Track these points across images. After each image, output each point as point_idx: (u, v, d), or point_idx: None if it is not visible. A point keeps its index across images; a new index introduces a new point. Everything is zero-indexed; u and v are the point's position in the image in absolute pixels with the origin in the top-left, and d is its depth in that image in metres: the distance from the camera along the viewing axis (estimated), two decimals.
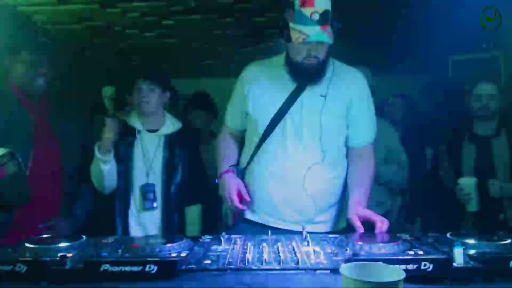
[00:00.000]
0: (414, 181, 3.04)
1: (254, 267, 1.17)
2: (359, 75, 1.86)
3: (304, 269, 1.16)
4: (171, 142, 2.24)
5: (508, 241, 1.26)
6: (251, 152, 1.85)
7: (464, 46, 3.91)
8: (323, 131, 1.74)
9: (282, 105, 1.76)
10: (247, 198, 1.78)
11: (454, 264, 1.10)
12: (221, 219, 1.97)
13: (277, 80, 1.79)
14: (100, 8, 3.57)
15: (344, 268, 0.93)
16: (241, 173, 1.89)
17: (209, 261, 1.21)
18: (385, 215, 2.62)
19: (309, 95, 1.76)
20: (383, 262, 0.99)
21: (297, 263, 1.19)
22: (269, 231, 1.52)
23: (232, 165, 1.91)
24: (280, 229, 1.74)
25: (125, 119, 2.23)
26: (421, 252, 1.21)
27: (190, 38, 4.26)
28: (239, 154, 1.98)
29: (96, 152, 2.08)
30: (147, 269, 1.10)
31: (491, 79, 2.56)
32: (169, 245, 1.29)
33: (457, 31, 3.44)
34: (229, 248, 1.35)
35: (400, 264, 1.07)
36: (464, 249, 1.13)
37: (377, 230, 1.57)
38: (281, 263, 1.19)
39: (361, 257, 1.14)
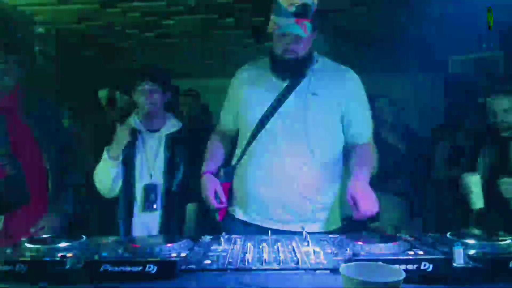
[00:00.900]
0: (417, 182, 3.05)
1: (254, 267, 1.17)
2: (351, 73, 1.84)
3: (304, 269, 1.16)
4: (172, 141, 2.23)
5: (508, 241, 1.26)
6: (241, 152, 1.85)
7: (464, 46, 3.91)
8: (311, 129, 1.72)
9: (271, 104, 1.74)
10: (223, 199, 1.80)
11: (454, 264, 1.10)
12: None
13: (266, 80, 1.78)
14: (100, 8, 3.57)
15: (344, 268, 0.93)
16: (231, 173, 1.89)
17: (209, 261, 1.21)
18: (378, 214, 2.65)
19: (299, 94, 1.74)
20: (383, 262, 0.99)
21: (297, 263, 1.19)
22: (269, 231, 1.52)
23: (220, 166, 1.92)
24: (271, 228, 1.68)
25: (131, 123, 2.22)
26: (421, 252, 1.21)
27: (190, 38, 4.26)
28: (229, 154, 1.98)
29: (106, 156, 2.07)
30: (147, 269, 1.10)
31: (506, 90, 2.40)
32: (169, 245, 1.29)
33: (457, 31, 3.44)
34: (229, 248, 1.35)
35: (400, 264, 1.07)
36: (464, 249, 1.13)
37: (355, 215, 1.58)
38: (281, 263, 1.19)
39: (361, 257, 1.14)
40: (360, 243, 1.29)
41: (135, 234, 2.13)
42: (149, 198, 2.14)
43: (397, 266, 1.01)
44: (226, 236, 1.45)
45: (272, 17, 1.63)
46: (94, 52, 4.77)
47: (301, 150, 1.73)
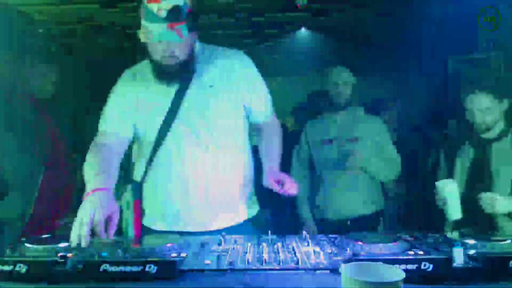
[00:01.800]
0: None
1: (254, 267, 1.17)
2: (241, 54, 1.76)
3: (304, 269, 1.16)
4: None
5: (508, 241, 1.26)
6: (144, 165, 1.71)
7: (464, 46, 3.91)
8: (216, 124, 1.66)
9: (169, 110, 1.64)
10: (111, 233, 1.33)
11: (454, 264, 1.10)
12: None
13: (155, 86, 1.65)
14: (100, 8, 3.57)
15: (344, 268, 0.93)
16: (140, 189, 1.74)
17: (209, 261, 1.21)
18: (376, 214, 2.65)
19: (195, 91, 1.65)
20: (383, 262, 0.99)
21: (297, 263, 1.19)
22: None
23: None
24: (193, 232, 1.65)
25: None
26: (421, 252, 1.21)
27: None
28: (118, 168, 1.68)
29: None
30: (147, 269, 1.10)
31: (486, 86, 2.17)
32: (169, 245, 1.29)
33: (457, 31, 3.44)
34: (229, 248, 1.35)
35: (400, 264, 1.07)
36: (464, 249, 1.13)
37: (281, 190, 1.55)
38: (281, 263, 1.19)
39: (361, 257, 1.14)
40: (360, 243, 1.29)
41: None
42: None
43: (397, 266, 1.01)
44: (226, 236, 1.45)
45: (143, 22, 1.49)
46: (94, 52, 4.77)
47: (208, 148, 1.66)
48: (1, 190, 1.83)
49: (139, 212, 1.73)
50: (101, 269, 1.10)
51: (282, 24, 4.29)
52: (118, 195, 1.74)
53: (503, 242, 1.25)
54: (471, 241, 1.25)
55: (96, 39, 4.39)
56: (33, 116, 2.01)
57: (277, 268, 1.17)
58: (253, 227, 1.78)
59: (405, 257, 1.13)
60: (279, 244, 1.36)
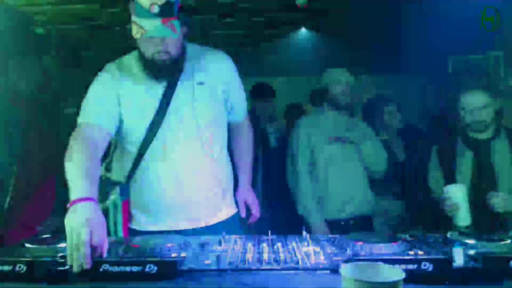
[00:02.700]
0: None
1: (254, 267, 1.17)
2: (224, 54, 1.78)
3: (304, 269, 1.16)
4: None
5: (508, 241, 1.26)
6: (131, 163, 1.67)
7: (464, 46, 3.91)
8: (202, 121, 1.66)
9: (158, 107, 1.62)
10: (103, 252, 1.20)
11: (454, 264, 1.10)
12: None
13: (142, 81, 1.63)
14: (100, 8, 3.57)
15: (344, 268, 0.93)
16: (128, 189, 1.70)
17: (209, 261, 1.21)
18: (372, 215, 2.66)
19: (185, 87, 1.65)
20: (383, 262, 0.99)
21: (297, 263, 1.19)
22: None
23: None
24: (182, 230, 1.65)
25: None
26: (421, 252, 1.21)
27: (190, 38, 4.27)
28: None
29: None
30: (147, 269, 1.10)
31: (480, 86, 2.21)
32: (169, 245, 1.29)
33: (457, 31, 3.44)
34: (229, 248, 1.35)
35: (400, 264, 1.07)
36: (464, 249, 1.13)
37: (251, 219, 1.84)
38: (281, 263, 1.19)
39: (361, 257, 1.14)
40: (360, 243, 1.29)
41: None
42: None
43: (397, 266, 1.01)
44: (226, 236, 1.45)
45: (134, 18, 1.48)
46: (94, 52, 4.77)
47: (196, 144, 1.66)
48: None
49: (127, 213, 1.70)
50: (101, 269, 1.10)
51: (282, 24, 4.30)
52: (102, 197, 1.66)
53: (503, 242, 1.25)
54: (471, 241, 1.25)
55: (96, 39, 4.40)
56: (18, 114, 1.97)
57: (277, 268, 1.17)
58: (239, 224, 1.84)
59: (405, 257, 1.13)
60: (279, 244, 1.36)
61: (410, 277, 0.97)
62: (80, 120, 1.59)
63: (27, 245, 1.27)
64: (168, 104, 1.63)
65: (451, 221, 2.06)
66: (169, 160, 1.65)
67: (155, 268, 1.10)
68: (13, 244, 1.33)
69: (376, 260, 1.02)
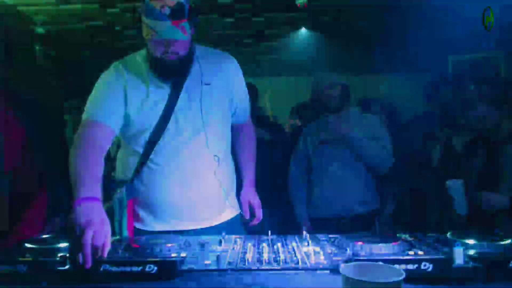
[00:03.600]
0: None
1: (254, 267, 1.17)
2: (231, 56, 1.81)
3: (304, 269, 1.16)
4: None
5: (508, 241, 1.26)
6: (139, 161, 1.66)
7: (464, 46, 3.91)
8: (210, 121, 1.66)
9: (166, 105, 1.62)
10: (104, 253, 1.20)
11: (454, 264, 1.10)
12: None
13: (149, 80, 1.63)
14: (100, 8, 3.57)
15: (344, 268, 0.93)
16: (134, 189, 1.69)
17: (209, 261, 1.21)
18: (372, 214, 2.66)
19: (192, 87, 1.66)
20: (383, 262, 0.99)
21: (297, 263, 1.19)
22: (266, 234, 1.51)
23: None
24: (189, 230, 1.67)
25: None
26: (421, 252, 1.21)
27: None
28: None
29: None
30: (147, 269, 1.10)
31: (500, 96, 2.31)
32: (169, 245, 1.29)
33: (457, 31, 3.44)
34: (229, 248, 1.35)
35: (400, 264, 1.07)
36: (464, 249, 1.13)
37: (252, 222, 1.79)
38: (281, 263, 1.19)
39: (361, 257, 1.14)
40: (360, 243, 1.29)
41: None
42: None
43: (397, 266, 1.01)
44: (226, 236, 1.45)
45: (145, 20, 1.49)
46: (94, 52, 4.77)
47: (202, 145, 1.66)
48: None
49: (132, 212, 1.70)
50: (101, 269, 1.10)
51: (282, 24, 4.30)
52: (107, 196, 1.65)
53: (503, 242, 1.25)
54: (471, 241, 1.25)
55: (96, 39, 4.39)
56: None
57: (277, 268, 1.17)
58: (240, 224, 1.84)
59: (405, 257, 1.13)
60: (279, 244, 1.36)
61: (410, 277, 0.98)
62: (84, 117, 1.59)
63: (27, 245, 1.27)
64: (174, 104, 1.63)
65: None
66: (175, 159, 1.65)
67: (155, 268, 1.10)
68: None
69: (376, 260, 1.02)
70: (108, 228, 1.24)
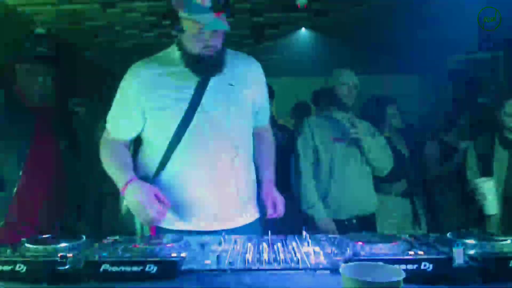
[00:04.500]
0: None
1: (254, 267, 1.17)
2: (254, 59, 1.82)
3: (304, 269, 1.16)
4: None
5: (508, 241, 1.26)
6: (161, 159, 1.67)
7: (463, 46, 3.92)
8: (233, 121, 1.68)
9: (191, 102, 1.62)
10: (168, 203, 1.55)
11: (454, 264, 1.10)
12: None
13: (174, 77, 1.64)
14: (100, 8, 3.57)
15: (344, 268, 0.93)
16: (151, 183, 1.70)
17: (209, 261, 1.21)
18: (370, 216, 2.66)
19: (217, 86, 1.66)
20: (383, 262, 0.99)
21: (297, 263, 1.19)
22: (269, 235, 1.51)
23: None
24: (212, 231, 1.65)
25: None
26: (421, 252, 1.21)
27: None
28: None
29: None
30: (147, 269, 1.10)
31: None
32: (169, 245, 1.29)
33: (457, 31, 3.44)
34: (229, 248, 1.35)
35: (400, 264, 1.07)
36: (464, 249, 1.13)
37: (273, 215, 1.71)
38: (281, 263, 1.19)
39: (361, 257, 1.14)
40: (360, 243, 1.29)
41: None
42: None
43: (397, 266, 1.01)
44: (226, 236, 1.45)
45: (187, 15, 1.50)
46: (94, 52, 4.77)
47: (226, 144, 1.67)
48: None
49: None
50: (101, 269, 1.10)
51: (282, 24, 4.30)
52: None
53: (503, 242, 1.25)
54: (471, 241, 1.25)
55: (96, 39, 4.39)
56: (25, 119, 2.03)
57: (277, 268, 1.17)
58: (260, 227, 1.81)
59: (405, 257, 1.13)
60: (279, 244, 1.36)
61: (410, 277, 0.98)
62: (107, 126, 1.76)
63: (27, 245, 1.27)
64: (198, 103, 1.64)
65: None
66: (197, 159, 1.65)
67: (155, 268, 1.10)
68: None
69: (376, 260, 1.02)
70: (156, 189, 1.54)
